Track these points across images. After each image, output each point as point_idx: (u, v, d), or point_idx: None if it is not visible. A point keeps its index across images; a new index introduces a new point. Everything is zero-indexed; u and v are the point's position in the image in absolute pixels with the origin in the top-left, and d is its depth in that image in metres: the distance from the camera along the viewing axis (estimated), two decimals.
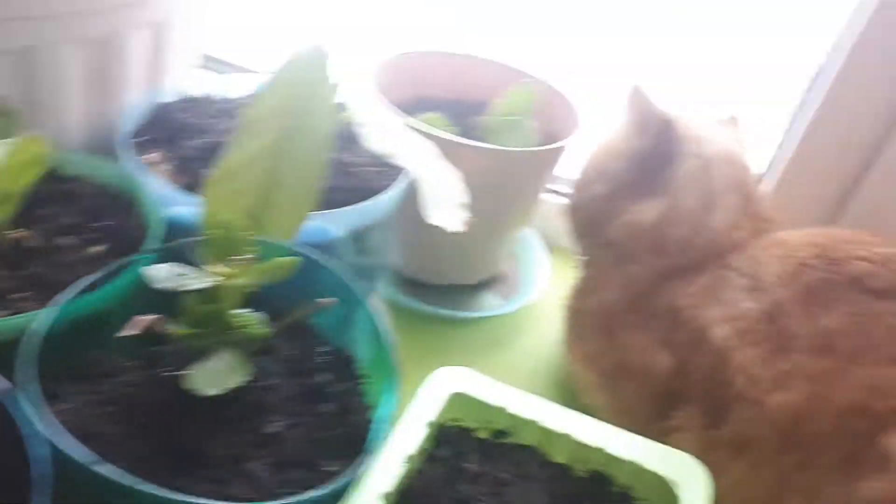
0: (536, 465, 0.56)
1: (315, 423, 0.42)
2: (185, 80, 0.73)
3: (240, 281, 0.39)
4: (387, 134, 0.50)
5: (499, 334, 0.80)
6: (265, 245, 0.47)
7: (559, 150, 0.74)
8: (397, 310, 0.79)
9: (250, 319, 0.40)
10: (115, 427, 0.38)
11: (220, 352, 0.39)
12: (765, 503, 0.56)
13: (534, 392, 0.72)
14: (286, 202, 0.50)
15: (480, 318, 0.81)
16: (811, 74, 0.74)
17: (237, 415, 0.41)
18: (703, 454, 0.57)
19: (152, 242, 0.52)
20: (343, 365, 0.47)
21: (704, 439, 0.58)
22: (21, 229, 0.50)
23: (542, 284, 0.83)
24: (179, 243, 0.48)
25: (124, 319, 0.47)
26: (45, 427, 0.35)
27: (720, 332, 0.58)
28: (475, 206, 0.74)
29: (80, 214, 0.54)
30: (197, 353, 0.40)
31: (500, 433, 0.58)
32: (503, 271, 0.87)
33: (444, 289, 0.83)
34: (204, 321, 0.40)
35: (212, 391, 0.37)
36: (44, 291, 0.46)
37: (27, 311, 0.43)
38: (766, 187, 0.81)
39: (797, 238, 0.61)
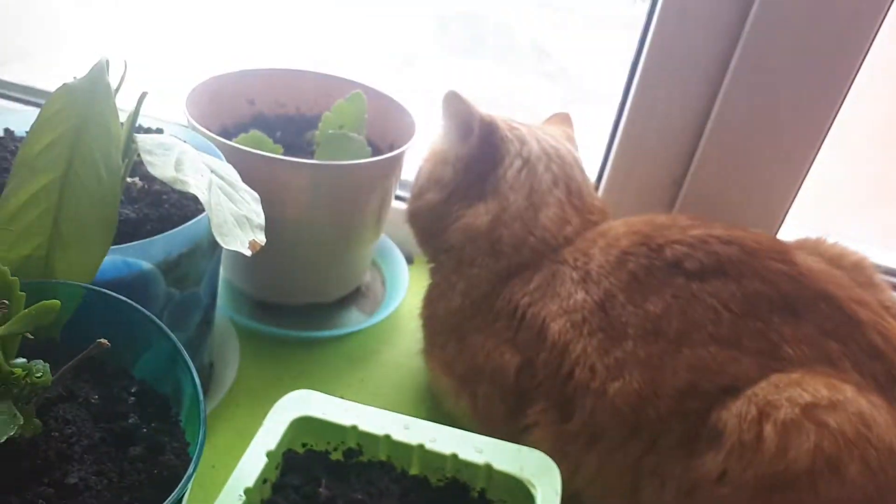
0: (391, 481, 0.55)
1: (123, 469, 0.39)
2: None
3: (1, 330, 0.36)
4: (174, 159, 0.47)
5: (361, 350, 0.78)
6: (55, 287, 0.45)
7: (395, 159, 0.73)
8: (251, 335, 0.76)
9: (30, 367, 0.37)
10: None
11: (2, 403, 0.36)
12: (623, 491, 0.58)
13: (399, 404, 0.72)
14: (78, 240, 0.47)
15: (341, 336, 0.79)
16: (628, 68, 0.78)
17: (34, 468, 0.37)
18: (559, 449, 0.59)
19: None
20: (156, 404, 0.44)
21: (558, 434, 0.59)
22: None
23: (402, 295, 0.82)
24: None
25: None
26: None
27: (557, 326, 0.59)
28: (316, 223, 0.74)
29: None
30: None
31: (353, 452, 0.56)
32: (366, 285, 0.86)
33: (302, 309, 0.81)
34: None
35: None
36: None
37: None
38: (600, 179, 0.84)
39: (620, 228, 0.63)
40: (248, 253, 0.43)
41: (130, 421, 0.42)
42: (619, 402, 0.55)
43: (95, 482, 0.38)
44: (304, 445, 0.56)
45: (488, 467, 0.52)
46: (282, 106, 0.86)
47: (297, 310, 0.81)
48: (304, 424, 0.55)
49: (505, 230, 0.63)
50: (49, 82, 0.92)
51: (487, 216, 0.64)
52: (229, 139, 0.69)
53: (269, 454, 0.51)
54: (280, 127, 0.83)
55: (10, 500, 0.36)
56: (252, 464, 0.50)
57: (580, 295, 0.59)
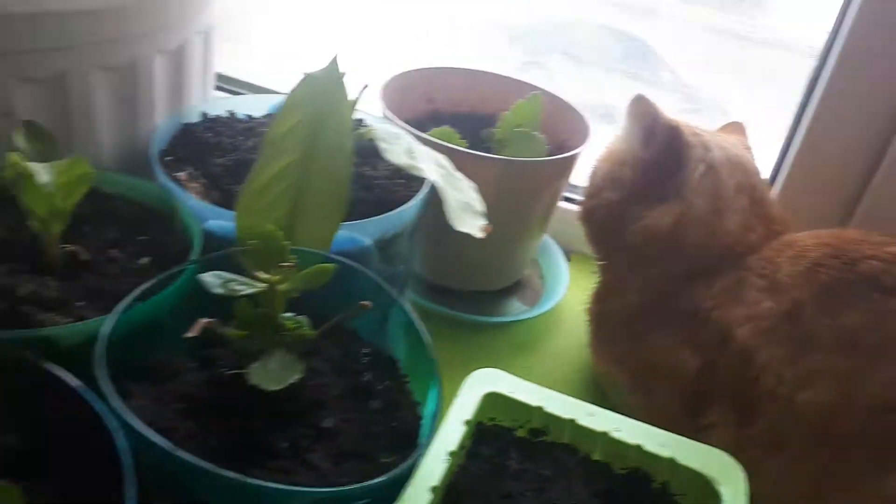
0: (575, 463, 0.57)
1: (366, 419, 0.44)
2: (204, 101, 0.75)
3: (285, 286, 0.41)
4: (405, 147, 0.52)
5: (524, 338, 0.82)
6: (301, 254, 0.50)
7: (570, 159, 0.76)
8: (425, 315, 0.80)
9: (299, 322, 0.42)
10: (185, 422, 0.40)
11: (272, 352, 0.41)
12: (803, 500, 0.58)
13: (565, 393, 0.74)
14: (316, 213, 0.52)
15: (505, 323, 0.83)
16: (808, 76, 0.77)
17: (294, 411, 0.42)
18: (737, 452, 0.59)
19: (194, 254, 0.53)
20: (385, 365, 0.48)
21: (738, 437, 0.60)
22: (70, 245, 0.51)
23: (563, 290, 0.85)
24: (222, 254, 0.50)
25: (175, 325, 0.49)
26: (127, 420, 0.36)
27: (743, 332, 0.60)
28: (494, 216, 0.77)
29: (122, 230, 0.56)
30: (250, 355, 0.41)
31: (537, 432, 0.59)
32: (526, 277, 0.90)
33: (470, 295, 0.85)
34: (255, 324, 0.41)
35: (273, 387, 0.38)
36: (99, 300, 0.48)
37: (88, 319, 0.45)
38: (772, 192, 0.84)
39: (807, 240, 0.63)
40: (481, 235, 0.46)
41: (366, 378, 0.47)
42: (808, 413, 0.55)
43: (345, 428, 0.43)
44: (491, 419, 0.59)
45: (672, 461, 0.54)
46: (457, 105, 0.90)
47: (463, 295, 0.85)
48: (493, 400, 0.58)
49: (688, 233, 0.64)
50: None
51: (670, 218, 0.66)
52: None
53: (466, 423, 0.55)
54: (455, 124, 0.87)
55: (278, 437, 0.41)
56: (451, 431, 0.54)
57: (767, 303, 0.60)
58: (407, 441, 0.44)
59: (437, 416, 0.42)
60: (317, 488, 0.36)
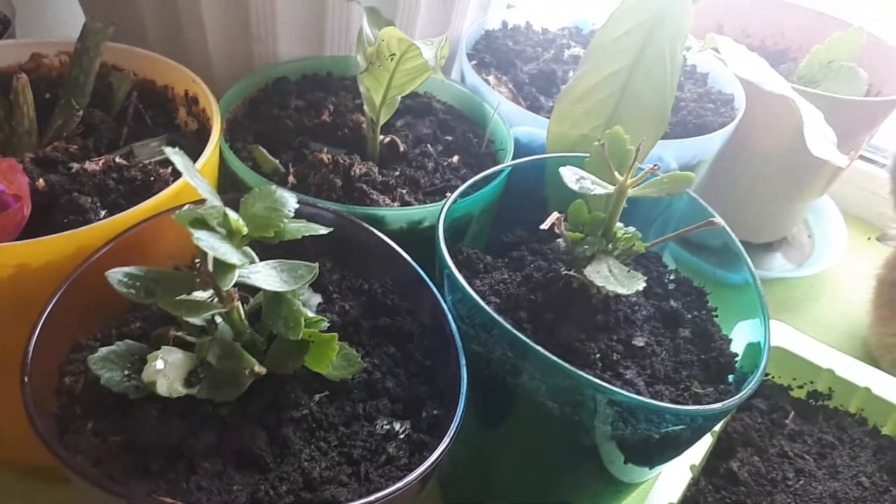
0: (863, 433, 0.53)
1: (676, 346, 0.43)
2: (502, 11, 0.75)
3: (638, 190, 0.40)
4: (751, 65, 0.48)
5: (784, 298, 0.76)
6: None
7: (891, 104, 0.67)
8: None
9: (631, 234, 0.41)
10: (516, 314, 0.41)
11: (602, 260, 0.40)
12: None
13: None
14: (636, 126, 0.50)
15: (768, 280, 0.77)
16: None
17: (605, 323, 0.42)
18: None
19: (502, 156, 0.54)
20: (693, 294, 0.47)
21: None
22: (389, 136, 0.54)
23: (838, 253, 0.78)
24: (537, 159, 0.50)
25: (482, 223, 0.50)
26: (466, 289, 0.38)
27: None
28: (786, 160, 0.71)
29: (432, 127, 0.58)
30: (578, 259, 0.41)
31: (818, 394, 0.55)
32: (793, 235, 0.83)
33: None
34: (590, 228, 0.41)
35: (622, 291, 0.38)
36: (416, 190, 0.51)
37: (411, 205, 0.48)
38: None
39: None
40: (844, 164, 0.42)
41: (673, 305, 0.45)
42: None
43: (656, 350, 0.42)
44: (766, 375, 0.56)
45: None
46: (747, 36, 0.83)
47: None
48: (776, 355, 0.55)
49: None
50: None
51: None
52: None
53: None
54: None
55: (589, 346, 0.41)
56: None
57: None
58: (719, 375, 0.42)
59: (762, 352, 0.40)
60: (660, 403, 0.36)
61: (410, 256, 0.41)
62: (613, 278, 0.38)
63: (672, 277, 0.48)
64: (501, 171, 0.49)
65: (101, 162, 0.42)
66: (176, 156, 0.29)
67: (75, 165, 0.42)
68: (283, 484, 0.31)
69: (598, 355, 0.40)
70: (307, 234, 0.32)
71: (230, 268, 0.29)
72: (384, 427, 0.35)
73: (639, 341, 0.42)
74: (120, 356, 0.34)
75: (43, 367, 0.33)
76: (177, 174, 0.43)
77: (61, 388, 0.34)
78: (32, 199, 0.40)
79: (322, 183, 0.48)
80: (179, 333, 0.34)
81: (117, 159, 0.43)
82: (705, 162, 0.58)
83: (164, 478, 0.31)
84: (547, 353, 0.35)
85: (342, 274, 0.43)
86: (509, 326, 0.36)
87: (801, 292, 0.77)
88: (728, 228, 0.45)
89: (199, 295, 0.33)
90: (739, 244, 0.45)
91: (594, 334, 0.41)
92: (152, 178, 0.43)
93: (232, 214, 0.30)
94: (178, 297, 0.31)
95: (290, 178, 0.49)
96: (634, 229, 0.42)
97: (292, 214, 0.31)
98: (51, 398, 0.33)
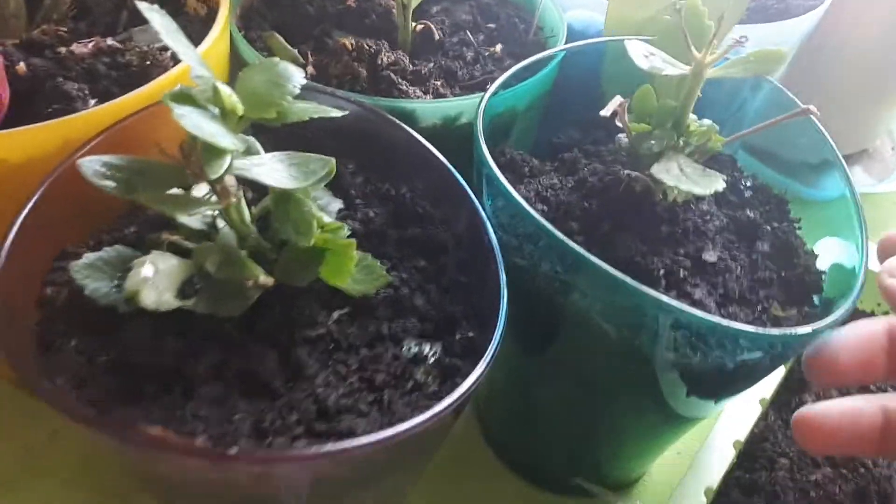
0: None
1: (752, 262, 0.37)
2: None
3: (719, 71, 0.33)
4: None
5: (868, 216, 0.68)
6: None
7: None
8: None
9: (710, 128, 0.35)
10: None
11: (671, 157, 0.34)
12: None
13: None
14: (709, 4, 0.43)
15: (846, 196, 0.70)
16: None
17: (672, 234, 0.36)
18: None
19: (552, 43, 0.47)
20: (773, 203, 0.40)
21: None
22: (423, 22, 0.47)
23: None
24: (594, 42, 0.43)
25: (528, 120, 0.44)
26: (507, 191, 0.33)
27: None
28: (876, 56, 0.63)
29: (472, 15, 0.51)
30: (643, 157, 0.35)
31: None
32: (875, 147, 0.74)
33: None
34: (658, 119, 0.35)
35: (699, 191, 0.32)
36: (453, 82, 0.44)
37: (446, 97, 0.42)
38: None
39: None
40: None
41: (750, 215, 0.39)
42: None
43: (730, 266, 0.36)
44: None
45: None
46: None
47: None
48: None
49: None
50: None
51: None
52: None
53: None
54: None
55: (652, 260, 0.35)
56: None
57: None
58: (802, 296, 0.36)
59: (856, 275, 0.34)
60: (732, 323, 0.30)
61: (445, 158, 0.36)
62: (686, 177, 0.32)
63: (749, 184, 0.41)
64: (551, 57, 0.42)
65: (91, 44, 0.37)
66: (152, 12, 0.23)
67: (63, 49, 0.37)
68: (294, 413, 0.27)
69: (662, 272, 0.35)
70: (317, 117, 0.26)
71: (220, 152, 0.24)
72: (412, 350, 0.30)
73: (710, 256, 0.36)
74: (108, 263, 0.29)
75: (20, 276, 0.28)
76: (178, 60, 0.38)
77: (43, 300, 0.29)
78: (12, 85, 0.35)
79: (344, 73, 0.42)
80: (175, 238, 0.30)
81: (110, 42, 0.38)
82: (786, 55, 0.50)
83: (157, 403, 0.27)
84: (605, 265, 0.30)
85: (366, 177, 0.38)
86: (561, 235, 0.31)
87: (884, 210, 0.69)
88: (822, 128, 0.38)
89: (196, 192, 0.28)
90: (835, 147, 0.38)
91: (658, 248, 0.36)
92: (149, 63, 0.37)
93: (224, 89, 0.24)
94: (165, 192, 0.26)
95: (309, 69, 0.43)
96: (710, 122, 0.35)
97: (297, 91, 0.25)
98: (32, 312, 0.29)
